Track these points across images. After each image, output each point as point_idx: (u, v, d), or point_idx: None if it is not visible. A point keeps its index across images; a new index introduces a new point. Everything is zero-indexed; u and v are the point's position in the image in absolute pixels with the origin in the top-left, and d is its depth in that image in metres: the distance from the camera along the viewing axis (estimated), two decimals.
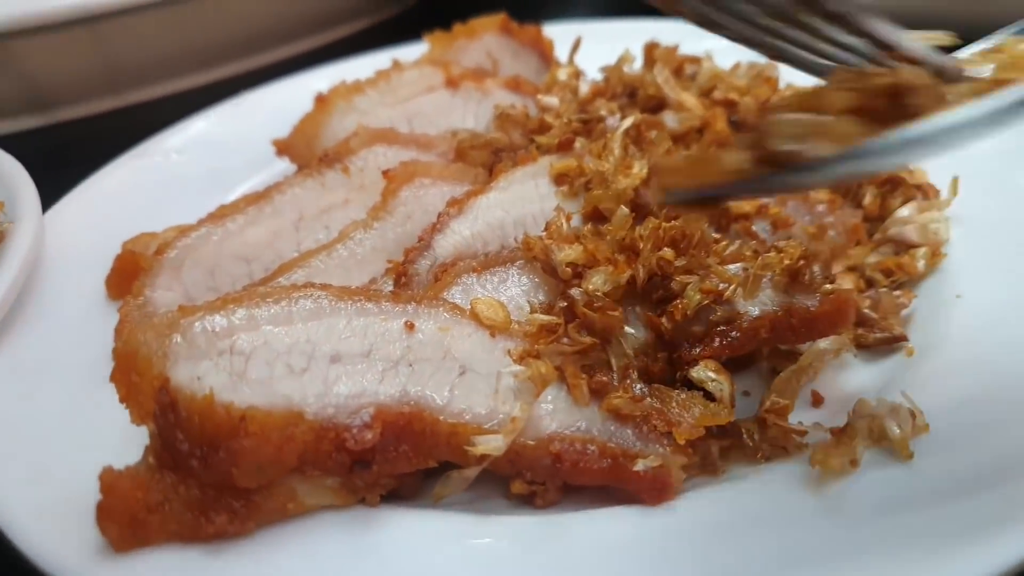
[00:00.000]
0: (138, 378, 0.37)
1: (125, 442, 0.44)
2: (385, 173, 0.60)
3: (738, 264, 0.46)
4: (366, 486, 0.39)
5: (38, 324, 0.59)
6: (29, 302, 0.61)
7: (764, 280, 0.45)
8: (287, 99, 0.79)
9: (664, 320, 0.44)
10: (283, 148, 0.72)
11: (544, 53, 0.77)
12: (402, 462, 0.39)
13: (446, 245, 0.52)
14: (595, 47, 0.78)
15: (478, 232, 0.54)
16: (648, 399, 0.42)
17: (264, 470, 0.37)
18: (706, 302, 0.44)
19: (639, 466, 0.40)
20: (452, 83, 0.71)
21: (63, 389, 0.51)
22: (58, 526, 0.38)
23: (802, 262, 0.45)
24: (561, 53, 0.78)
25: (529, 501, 0.42)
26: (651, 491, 0.39)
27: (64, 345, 0.57)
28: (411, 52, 0.79)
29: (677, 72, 0.68)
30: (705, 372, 0.43)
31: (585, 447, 0.40)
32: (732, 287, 0.44)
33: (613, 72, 0.71)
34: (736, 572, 0.38)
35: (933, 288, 0.58)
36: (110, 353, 0.49)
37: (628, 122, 0.59)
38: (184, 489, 0.36)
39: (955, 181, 0.61)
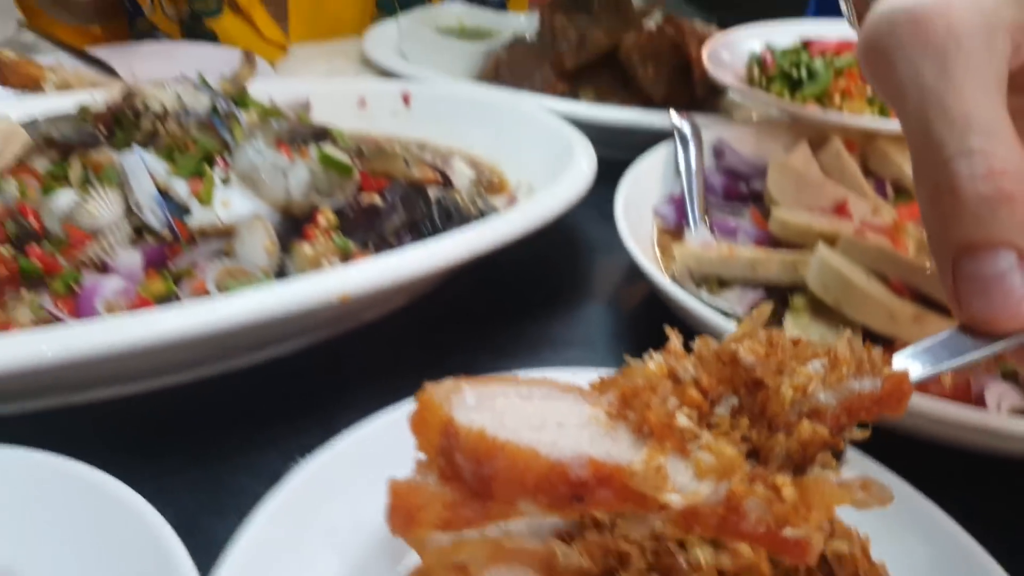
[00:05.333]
0: (428, 415, 0.50)
1: None
2: None
3: (816, 361, 0.53)
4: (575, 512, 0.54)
5: None
6: None
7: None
8: None
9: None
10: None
11: None
12: (604, 503, 0.51)
13: None
14: None
15: None
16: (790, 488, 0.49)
17: (512, 487, 0.50)
18: (797, 397, 0.52)
19: (787, 532, 0.46)
20: None
21: None
22: None
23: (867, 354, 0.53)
24: None
25: None
26: (793, 553, 0.46)
27: None
28: None
29: None
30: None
31: (745, 515, 0.48)
32: (815, 382, 0.52)
33: None
34: None
35: None
36: None
37: None
38: (444, 495, 0.50)
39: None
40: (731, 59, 1.10)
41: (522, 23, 1.37)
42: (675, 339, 0.56)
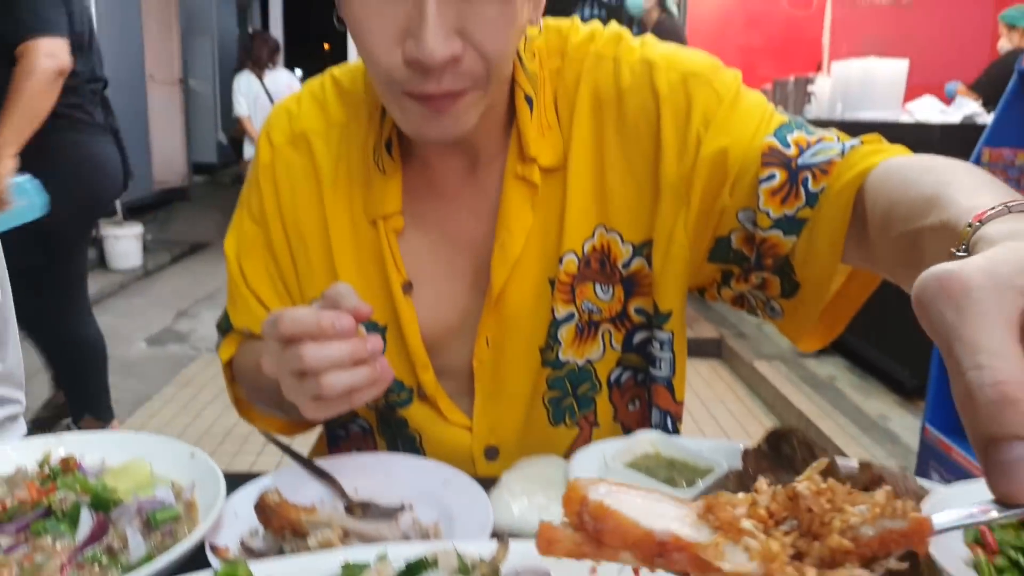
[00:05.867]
0: (574, 493, 0.58)
1: None
2: None
3: (862, 505, 0.60)
4: None
5: None
6: None
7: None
8: None
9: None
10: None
11: None
12: (678, 564, 0.60)
13: None
14: None
15: None
16: None
17: (617, 540, 0.63)
18: (843, 526, 0.59)
19: None
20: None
21: None
22: None
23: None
24: None
25: None
26: None
27: None
28: None
29: None
30: None
31: None
32: (857, 517, 0.58)
33: None
34: None
35: None
36: None
37: None
38: (574, 536, 0.63)
39: None
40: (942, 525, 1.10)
41: (718, 458, 1.43)
42: (763, 482, 0.67)
